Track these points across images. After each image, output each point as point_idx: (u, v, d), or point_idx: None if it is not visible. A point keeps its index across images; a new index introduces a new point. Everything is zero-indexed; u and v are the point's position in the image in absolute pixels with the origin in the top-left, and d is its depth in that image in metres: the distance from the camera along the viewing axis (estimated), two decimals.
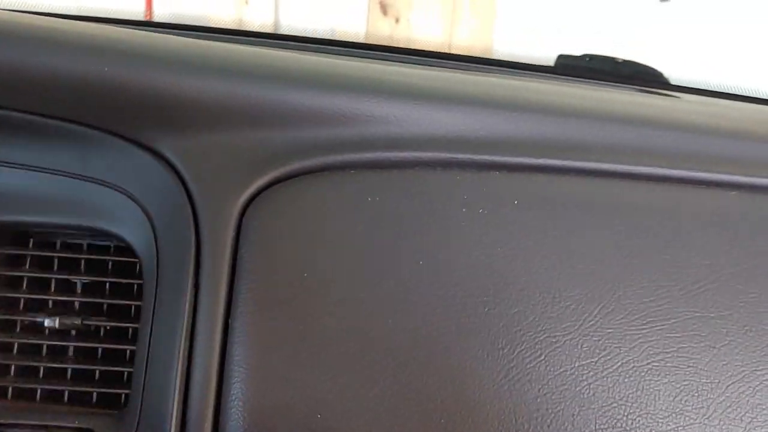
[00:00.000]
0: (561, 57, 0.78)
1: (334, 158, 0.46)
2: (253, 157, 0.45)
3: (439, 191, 0.46)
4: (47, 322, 0.46)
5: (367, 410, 0.41)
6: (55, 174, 0.46)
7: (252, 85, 0.45)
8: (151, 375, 0.43)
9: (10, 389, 0.46)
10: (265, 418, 0.41)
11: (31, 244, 0.48)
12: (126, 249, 0.47)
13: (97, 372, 0.46)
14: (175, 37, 0.47)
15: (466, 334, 0.43)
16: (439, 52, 0.97)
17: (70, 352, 0.47)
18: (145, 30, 0.48)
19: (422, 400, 0.42)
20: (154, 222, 0.45)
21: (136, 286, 0.48)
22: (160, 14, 1.26)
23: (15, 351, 0.47)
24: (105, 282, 0.48)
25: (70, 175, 0.46)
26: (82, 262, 0.48)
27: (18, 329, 0.47)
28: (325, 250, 0.44)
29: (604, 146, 0.48)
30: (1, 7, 0.48)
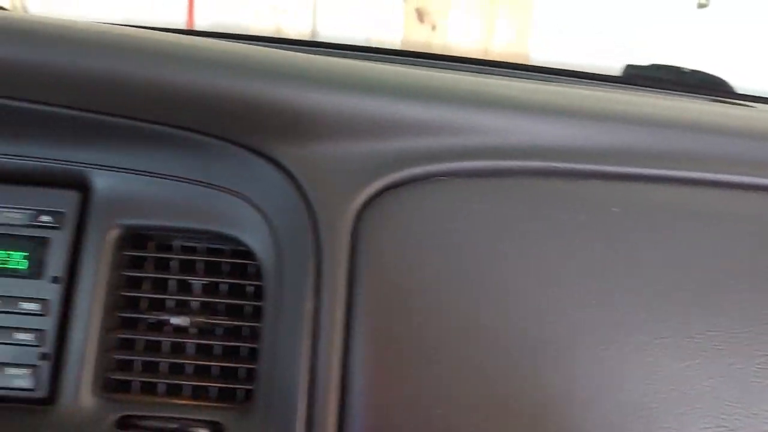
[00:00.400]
0: (629, 67, 0.79)
1: (442, 166, 0.48)
2: (366, 166, 0.47)
3: (540, 199, 0.48)
4: (176, 321, 0.49)
5: (481, 406, 0.43)
6: (180, 181, 0.49)
7: (364, 99, 0.47)
8: (276, 372, 0.45)
9: (138, 384, 0.48)
10: (386, 413, 0.43)
11: (151, 247, 0.51)
12: (240, 252, 0.50)
13: (215, 368, 0.49)
14: (291, 53, 0.49)
15: (571, 333, 0.45)
16: (507, 62, 0.99)
17: (190, 350, 0.49)
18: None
19: (531, 397, 0.44)
20: (273, 227, 0.48)
21: (251, 287, 0.50)
22: (201, 24, 1.30)
23: (141, 348, 0.49)
24: (220, 283, 0.50)
25: (193, 182, 0.49)
26: (201, 264, 0.50)
27: (143, 327, 0.50)
28: (436, 253, 0.46)
29: (696, 155, 0.50)
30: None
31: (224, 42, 0.49)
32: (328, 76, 0.48)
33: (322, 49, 0.83)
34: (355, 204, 0.47)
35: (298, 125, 0.47)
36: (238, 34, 1.00)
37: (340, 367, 0.43)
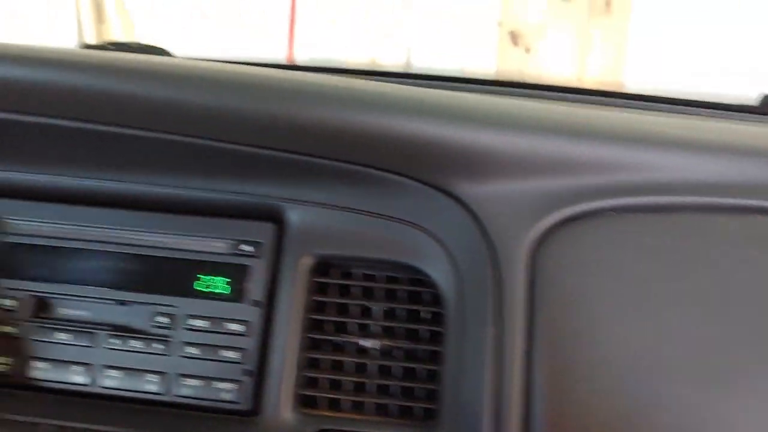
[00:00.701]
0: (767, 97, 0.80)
1: (613, 202, 0.51)
2: (541, 201, 0.51)
3: (709, 233, 0.50)
4: (366, 343, 0.53)
5: None
6: (365, 214, 0.53)
7: (541, 138, 0.51)
8: (461, 395, 0.49)
9: (325, 400, 0.53)
10: None
11: (335, 274, 0.56)
12: (417, 280, 0.54)
13: (395, 387, 0.53)
14: (468, 94, 0.53)
15: (744, 364, 0.46)
16: (615, 92, 1.00)
17: (372, 369, 0.54)
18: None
19: (709, 423, 0.46)
20: (453, 257, 0.52)
21: (427, 312, 0.54)
22: (300, 59, 1.36)
23: (328, 367, 0.54)
24: (397, 308, 0.54)
25: (378, 216, 0.53)
26: (381, 290, 0.55)
27: (329, 348, 0.54)
28: (610, 284, 0.49)
29: None
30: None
31: (408, 86, 0.53)
32: (505, 117, 0.51)
33: (419, 80, 0.87)
34: (532, 237, 0.50)
35: (478, 163, 0.51)
36: (337, 68, 1.05)
37: (523, 393, 0.47)
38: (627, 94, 0.95)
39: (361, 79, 0.55)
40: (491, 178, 0.51)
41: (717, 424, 0.45)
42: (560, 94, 0.89)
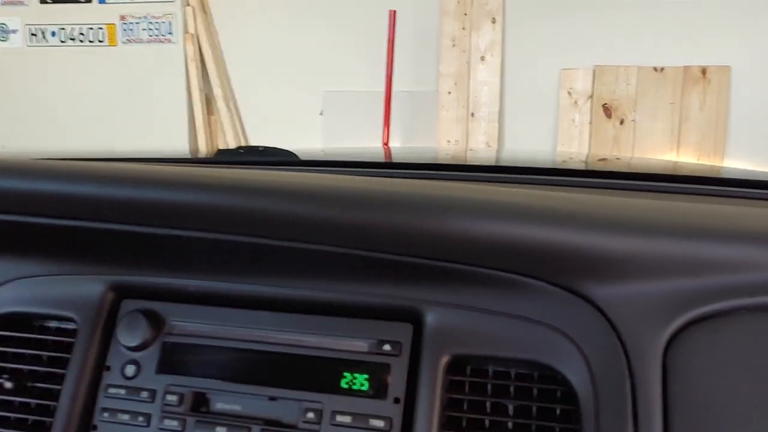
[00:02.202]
0: None
1: (743, 301, 0.53)
2: (672, 301, 0.53)
3: None
4: None
5: None
6: (501, 315, 0.57)
7: (666, 240, 0.53)
8: None
9: None
10: None
11: (468, 372, 0.59)
12: (550, 378, 0.56)
13: None
14: (589, 196, 0.56)
15: None
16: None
17: None
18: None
19: None
20: (587, 356, 0.54)
21: (560, 410, 0.56)
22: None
23: None
24: (532, 405, 0.57)
25: (513, 317, 0.56)
26: (515, 388, 0.57)
27: None
28: (743, 382, 0.50)
29: None
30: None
31: (531, 191, 0.57)
32: (631, 219, 0.54)
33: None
34: (664, 337, 0.52)
35: (608, 266, 0.53)
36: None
37: None
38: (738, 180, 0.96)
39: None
40: (624, 280, 0.54)
41: None
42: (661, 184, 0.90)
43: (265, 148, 1.01)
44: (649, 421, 0.50)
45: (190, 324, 0.63)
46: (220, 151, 1.17)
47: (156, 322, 0.63)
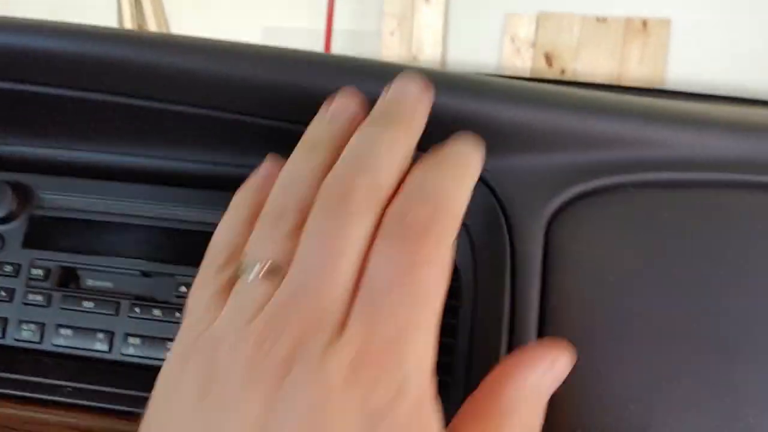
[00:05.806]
0: None
1: (630, 178, 0.51)
2: (558, 176, 0.51)
3: (725, 209, 0.50)
4: None
5: (674, 403, 0.45)
6: None
7: (558, 114, 0.51)
8: (473, 367, 0.49)
9: None
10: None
11: None
12: None
13: None
14: (491, 78, 0.54)
15: (761, 344, 0.46)
16: (653, 89, 1.00)
17: None
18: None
19: (720, 397, 0.45)
20: (470, 232, 0.52)
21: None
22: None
23: None
24: None
25: None
26: None
27: None
28: (621, 258, 0.49)
29: None
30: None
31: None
32: (524, 92, 0.52)
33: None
34: (548, 210, 0.50)
35: (497, 138, 0.51)
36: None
37: None
38: (665, 90, 0.95)
39: None
40: (510, 153, 0.52)
41: (734, 394, 0.45)
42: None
43: None
44: (527, 296, 0.48)
45: (61, 197, 0.59)
46: None
47: (23, 194, 0.59)
